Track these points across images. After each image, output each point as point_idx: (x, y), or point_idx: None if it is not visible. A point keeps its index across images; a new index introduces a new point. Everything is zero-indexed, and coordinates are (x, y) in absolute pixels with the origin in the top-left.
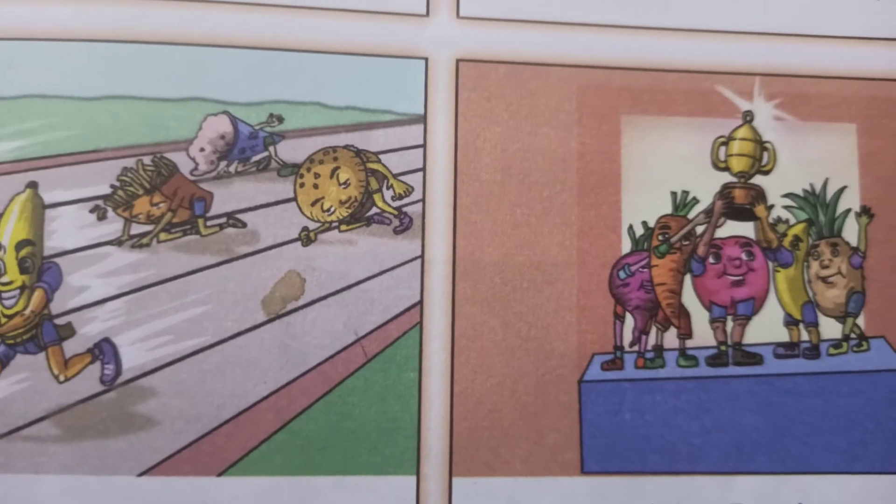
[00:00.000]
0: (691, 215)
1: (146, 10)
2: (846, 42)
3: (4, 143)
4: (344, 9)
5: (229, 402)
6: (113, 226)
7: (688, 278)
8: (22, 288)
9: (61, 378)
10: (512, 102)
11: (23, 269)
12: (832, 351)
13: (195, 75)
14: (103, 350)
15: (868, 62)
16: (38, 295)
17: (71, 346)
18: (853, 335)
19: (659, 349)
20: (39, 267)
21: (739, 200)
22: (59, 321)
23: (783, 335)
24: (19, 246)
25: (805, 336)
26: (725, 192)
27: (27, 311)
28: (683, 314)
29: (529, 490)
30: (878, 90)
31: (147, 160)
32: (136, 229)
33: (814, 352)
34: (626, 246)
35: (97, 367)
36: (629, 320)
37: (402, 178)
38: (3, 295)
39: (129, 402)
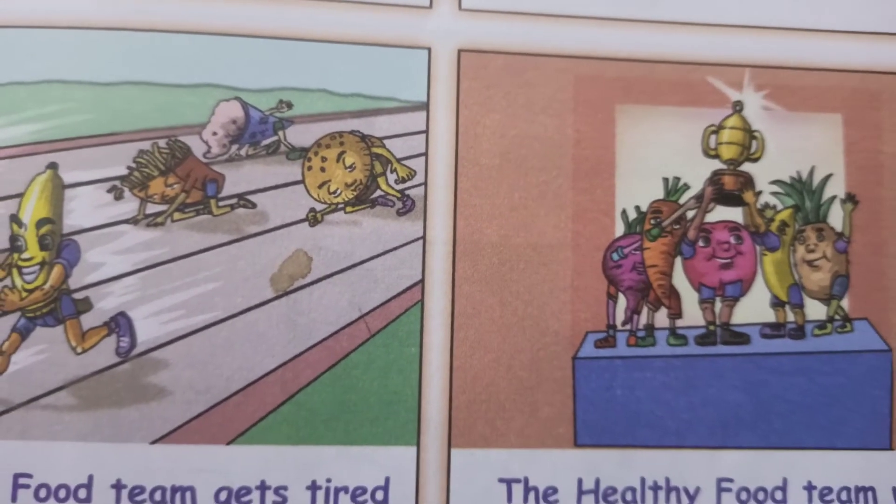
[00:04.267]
0: (682, 200)
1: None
2: (832, 36)
3: (25, 125)
4: (351, 0)
5: (238, 375)
6: (129, 205)
7: (678, 261)
8: (42, 264)
9: (78, 350)
10: (510, 91)
11: (43, 246)
12: (817, 332)
13: (208, 63)
14: (119, 323)
15: (853, 55)
16: (57, 270)
17: (88, 320)
18: (837, 317)
19: (650, 328)
20: (59, 244)
21: (729, 187)
22: (77, 296)
23: (770, 316)
24: (40, 224)
25: (791, 317)
26: (715, 178)
27: (46, 286)
28: (674, 295)
29: (524, 461)
30: (862, 82)
31: (162, 143)
32: (151, 209)
33: (799, 332)
34: (620, 229)
35: (113, 340)
36: (622, 300)
37: (405, 162)
38: (24, 270)
39: (142, 373)
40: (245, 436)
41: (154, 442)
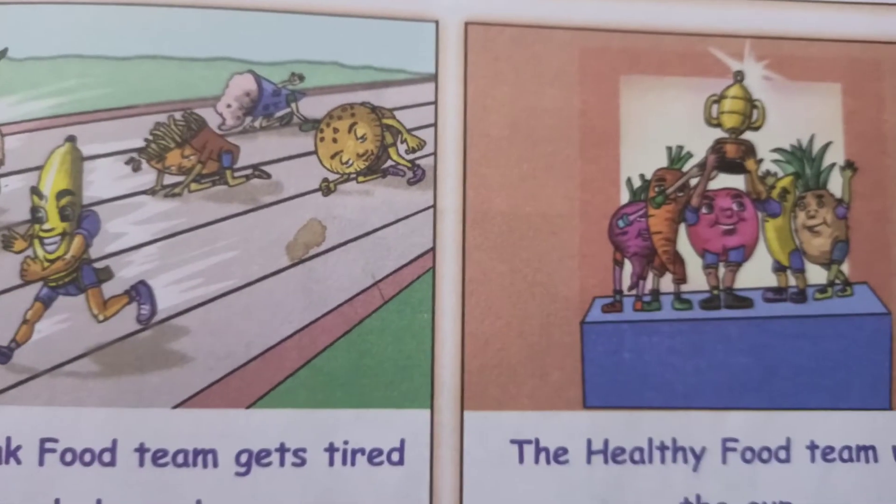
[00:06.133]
0: (685, 169)
1: None
2: (831, 6)
3: (44, 100)
4: None
5: (256, 341)
6: (147, 177)
7: (682, 227)
8: (63, 234)
9: (100, 318)
10: (518, 64)
11: (63, 217)
12: (818, 296)
13: (222, 37)
14: (139, 291)
15: (851, 25)
16: (77, 241)
17: (109, 288)
18: (838, 281)
19: (655, 293)
20: (79, 215)
21: (731, 155)
22: (98, 265)
23: (772, 280)
24: (60, 195)
25: (792, 281)
26: (717, 146)
27: (68, 256)
28: (678, 260)
29: (535, 423)
30: (861, 52)
31: (178, 116)
32: (168, 180)
33: (801, 296)
34: (625, 197)
35: (134, 308)
36: (628, 266)
37: (415, 132)
38: (45, 241)
39: (163, 339)
40: (264, 400)
41: (176, 406)
